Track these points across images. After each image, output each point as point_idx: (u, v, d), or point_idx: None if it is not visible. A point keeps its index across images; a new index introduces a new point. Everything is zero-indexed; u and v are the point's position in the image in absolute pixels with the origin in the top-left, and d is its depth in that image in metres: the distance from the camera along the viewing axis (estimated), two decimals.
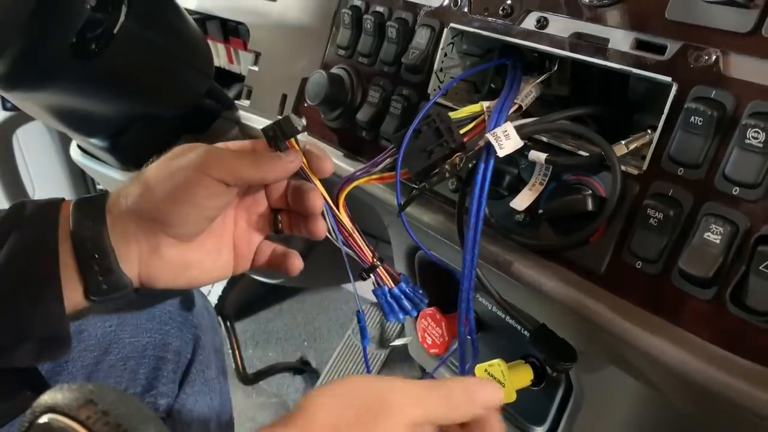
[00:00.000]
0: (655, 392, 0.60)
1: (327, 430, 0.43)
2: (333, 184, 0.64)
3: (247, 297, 1.68)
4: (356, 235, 0.63)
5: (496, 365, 0.72)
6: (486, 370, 0.73)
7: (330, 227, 0.63)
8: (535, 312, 0.66)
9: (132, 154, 0.95)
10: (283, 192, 0.65)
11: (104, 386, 0.36)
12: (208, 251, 0.63)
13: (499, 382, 0.72)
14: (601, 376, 0.66)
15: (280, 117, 0.61)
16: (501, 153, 0.55)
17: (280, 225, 0.66)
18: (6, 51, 0.68)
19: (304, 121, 0.61)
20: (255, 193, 0.65)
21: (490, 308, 0.81)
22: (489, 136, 0.55)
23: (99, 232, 0.57)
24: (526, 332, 0.74)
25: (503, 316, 0.80)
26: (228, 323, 1.55)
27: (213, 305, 1.45)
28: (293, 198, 0.64)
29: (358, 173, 0.63)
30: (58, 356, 0.60)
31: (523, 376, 0.74)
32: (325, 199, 0.62)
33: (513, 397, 0.72)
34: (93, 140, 0.93)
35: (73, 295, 0.57)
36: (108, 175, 1.01)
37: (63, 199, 0.60)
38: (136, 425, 0.33)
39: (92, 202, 0.59)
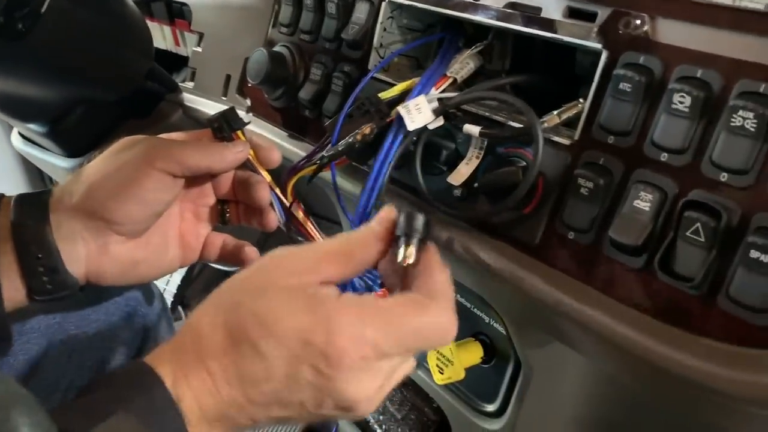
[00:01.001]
0: (600, 365, 0.60)
1: (208, 307, 0.43)
2: (284, 168, 0.63)
3: (208, 285, 1.65)
4: (308, 224, 0.62)
5: None
6: (435, 349, 0.72)
7: (279, 218, 0.62)
8: (473, 284, 0.65)
9: (74, 140, 0.92)
10: (230, 183, 0.64)
11: None
12: (155, 246, 0.62)
13: (447, 360, 0.72)
14: (547, 352, 0.66)
15: (225, 108, 0.60)
16: (411, 127, 0.54)
17: (227, 216, 0.65)
18: None
19: (246, 119, 0.60)
20: (201, 185, 0.63)
21: None
22: (400, 109, 0.55)
23: (43, 232, 0.55)
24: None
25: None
26: (188, 312, 1.53)
27: (173, 294, 1.43)
28: (240, 190, 0.63)
29: (301, 163, 0.63)
30: (0, 355, 0.59)
31: (473, 353, 0.74)
32: (273, 190, 0.61)
33: (461, 375, 0.72)
34: (32, 126, 0.90)
35: (15, 296, 0.55)
36: (51, 162, 0.98)
37: (2, 196, 0.58)
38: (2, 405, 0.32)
39: (34, 201, 0.57)
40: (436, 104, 0.56)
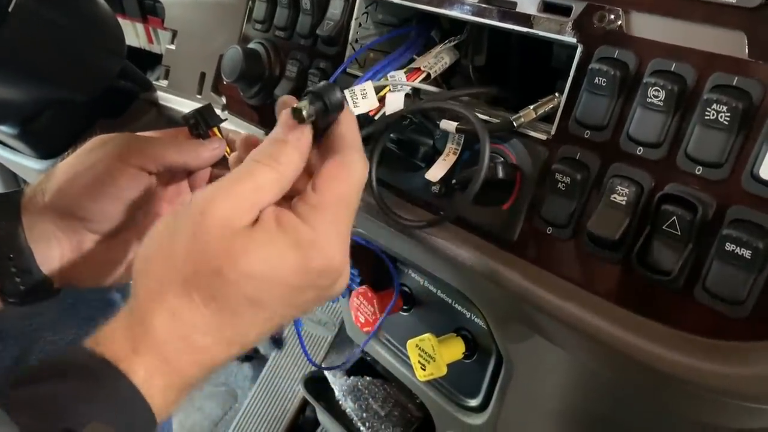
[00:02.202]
0: (580, 359, 0.60)
1: (171, 282, 0.41)
2: None
3: None
4: None
5: (427, 340, 0.71)
6: (417, 345, 0.72)
7: None
8: (453, 280, 0.65)
9: (46, 142, 0.91)
10: (206, 181, 0.63)
11: None
12: (132, 245, 0.61)
13: (429, 356, 0.72)
14: (529, 346, 0.66)
15: (200, 105, 0.59)
16: (356, 111, 0.54)
17: None
18: None
19: (222, 116, 0.59)
20: (178, 183, 0.63)
21: (422, 283, 0.80)
22: (346, 92, 0.55)
23: (14, 232, 0.54)
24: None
25: (435, 290, 0.79)
26: None
27: None
28: None
29: None
30: None
31: (455, 349, 0.74)
32: None
33: (443, 371, 0.72)
34: (2, 128, 0.88)
35: None
36: (23, 164, 0.96)
37: None
38: None
39: (4, 201, 0.56)
40: (403, 95, 0.56)
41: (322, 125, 0.46)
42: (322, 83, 0.45)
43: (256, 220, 0.42)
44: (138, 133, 0.60)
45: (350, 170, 0.44)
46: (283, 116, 0.46)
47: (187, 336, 0.41)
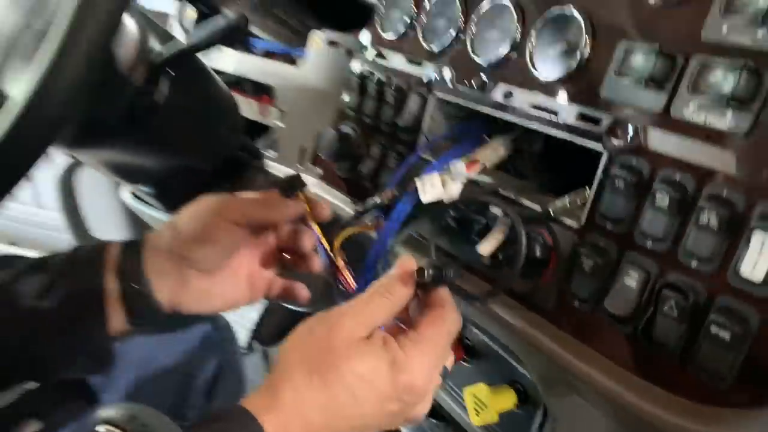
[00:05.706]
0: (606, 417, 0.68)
1: (300, 366, 0.55)
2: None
3: (283, 322, 1.81)
4: (344, 270, 0.74)
5: (481, 389, 0.81)
6: (472, 393, 0.82)
7: (324, 263, 0.75)
8: (504, 338, 0.75)
9: (175, 200, 1.08)
10: (289, 235, 0.78)
11: (143, 407, 0.50)
12: (226, 283, 0.76)
13: (483, 404, 0.82)
14: (568, 401, 0.75)
15: (291, 174, 0.74)
16: (424, 199, 0.67)
17: (286, 263, 0.79)
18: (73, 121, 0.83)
19: (310, 183, 0.74)
20: (267, 236, 0.77)
21: (480, 337, 0.90)
22: (417, 180, 0.67)
23: (138, 268, 0.70)
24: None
25: (492, 344, 0.89)
26: (265, 348, 1.67)
27: (252, 330, 1.58)
28: (293, 239, 0.77)
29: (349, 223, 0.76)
30: (104, 371, 0.74)
31: (506, 399, 0.82)
32: (319, 240, 0.74)
33: (495, 419, 0.81)
34: (140, 187, 1.08)
35: (117, 320, 0.70)
36: (154, 216, 1.16)
37: (108, 243, 0.74)
38: None
39: (133, 244, 0.73)
40: (460, 184, 0.69)
41: (430, 286, 0.61)
42: (445, 261, 0.61)
43: (371, 335, 0.58)
44: (236, 194, 0.75)
45: (445, 322, 0.59)
46: (403, 262, 0.61)
47: (303, 409, 0.54)
